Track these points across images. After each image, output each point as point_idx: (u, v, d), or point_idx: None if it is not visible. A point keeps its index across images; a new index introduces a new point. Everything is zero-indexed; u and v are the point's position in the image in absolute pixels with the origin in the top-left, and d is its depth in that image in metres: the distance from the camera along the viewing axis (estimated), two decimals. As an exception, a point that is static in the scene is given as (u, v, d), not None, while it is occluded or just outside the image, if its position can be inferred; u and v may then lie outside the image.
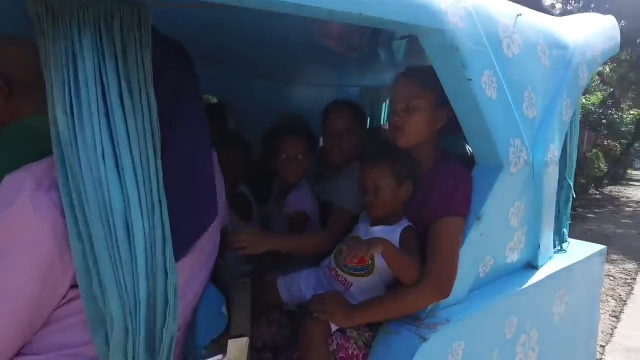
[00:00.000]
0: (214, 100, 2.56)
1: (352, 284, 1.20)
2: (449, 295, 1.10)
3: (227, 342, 0.80)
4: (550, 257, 1.62)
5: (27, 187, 0.61)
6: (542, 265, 1.53)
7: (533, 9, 1.39)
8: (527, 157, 1.25)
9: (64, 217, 0.62)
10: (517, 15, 1.22)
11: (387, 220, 1.20)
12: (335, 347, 1.10)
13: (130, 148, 0.65)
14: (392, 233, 1.16)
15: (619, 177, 14.99)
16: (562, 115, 1.44)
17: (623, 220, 7.85)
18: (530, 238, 1.46)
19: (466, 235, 1.14)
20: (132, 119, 0.65)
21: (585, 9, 8.29)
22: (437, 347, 1.08)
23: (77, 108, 0.63)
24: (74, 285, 0.66)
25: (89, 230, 0.63)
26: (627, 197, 11.32)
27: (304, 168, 1.53)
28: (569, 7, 9.34)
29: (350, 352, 1.10)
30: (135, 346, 0.66)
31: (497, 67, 1.11)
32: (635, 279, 4.62)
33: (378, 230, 1.19)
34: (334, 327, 1.12)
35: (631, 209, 9.81)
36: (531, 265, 1.52)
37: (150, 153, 0.67)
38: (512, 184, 1.23)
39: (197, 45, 0.93)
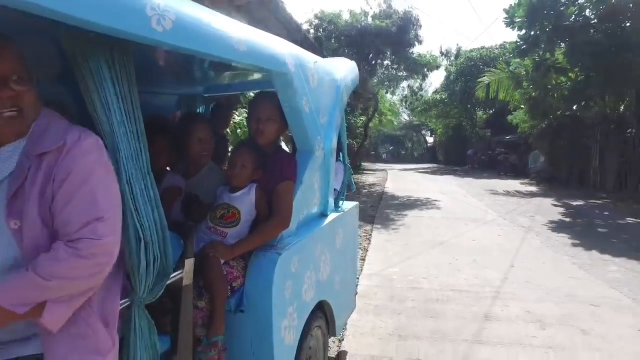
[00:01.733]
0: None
1: (227, 233, 1.78)
2: (289, 226, 1.83)
3: (184, 262, 1.30)
4: (332, 210, 2.58)
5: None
6: (329, 214, 2.46)
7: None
8: (323, 146, 2.12)
9: None
10: (314, 62, 2.06)
11: (241, 188, 1.83)
12: (225, 272, 1.66)
13: (126, 128, 1.09)
14: (248, 193, 1.82)
15: (356, 168, 19.57)
16: (337, 120, 2.40)
17: (362, 198, 10.62)
18: (323, 197, 2.35)
19: (295, 193, 1.90)
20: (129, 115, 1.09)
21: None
22: (286, 260, 1.79)
23: (106, 112, 1.03)
24: None
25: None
26: (363, 182, 15.10)
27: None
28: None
29: (235, 274, 1.69)
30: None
31: (308, 93, 1.91)
32: (372, 234, 6.63)
33: (238, 194, 1.81)
34: (222, 262, 1.68)
35: (366, 190, 13.19)
36: (323, 214, 2.42)
37: (139, 130, 1.13)
38: (316, 162, 2.07)
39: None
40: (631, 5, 10.08)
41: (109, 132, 1.06)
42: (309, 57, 2.03)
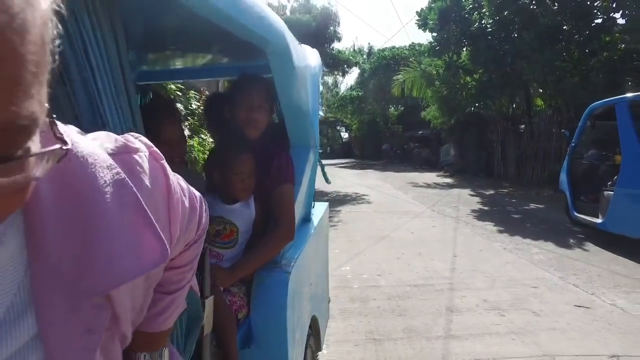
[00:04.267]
0: None
1: (223, 255, 1.43)
2: (294, 238, 1.54)
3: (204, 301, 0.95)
4: (310, 213, 2.33)
5: None
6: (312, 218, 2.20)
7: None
8: (315, 142, 1.85)
9: None
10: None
11: (240, 200, 1.48)
12: (228, 302, 1.33)
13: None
14: (248, 207, 1.49)
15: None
16: (317, 112, 2.14)
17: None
18: (310, 199, 2.09)
19: (295, 196, 1.62)
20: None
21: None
22: (295, 279, 1.51)
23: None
24: None
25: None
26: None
27: None
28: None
29: (239, 304, 1.36)
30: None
31: (308, 85, 1.63)
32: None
33: (237, 207, 1.47)
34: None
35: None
36: (307, 219, 2.16)
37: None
38: (310, 160, 1.80)
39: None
40: (516, 19, 11.34)
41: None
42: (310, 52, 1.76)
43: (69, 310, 0.42)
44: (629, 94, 5.28)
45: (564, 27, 10.81)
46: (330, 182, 2.55)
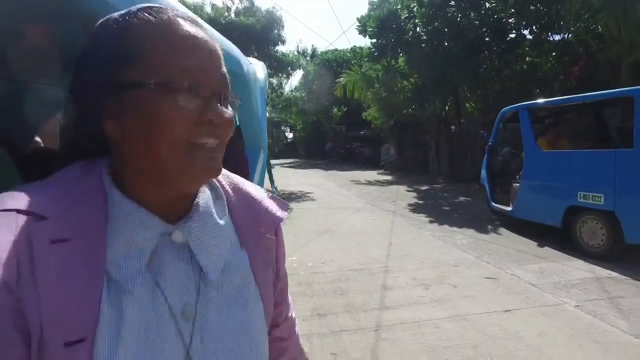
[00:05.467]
0: None
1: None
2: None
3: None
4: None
5: None
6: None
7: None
8: (264, 144, 2.24)
9: None
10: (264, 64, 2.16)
11: None
12: None
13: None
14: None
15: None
16: (265, 118, 2.53)
17: (241, 195, 10.58)
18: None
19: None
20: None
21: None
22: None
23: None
24: None
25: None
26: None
27: None
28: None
29: None
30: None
31: (257, 94, 2.01)
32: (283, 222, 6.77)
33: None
34: None
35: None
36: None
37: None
38: (261, 160, 2.18)
39: None
40: (446, 29, 12.48)
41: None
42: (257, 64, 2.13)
43: (263, 263, 0.62)
44: (530, 102, 6.24)
45: (486, 39, 12.07)
46: (276, 187, 2.94)
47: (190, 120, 0.48)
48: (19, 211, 0.44)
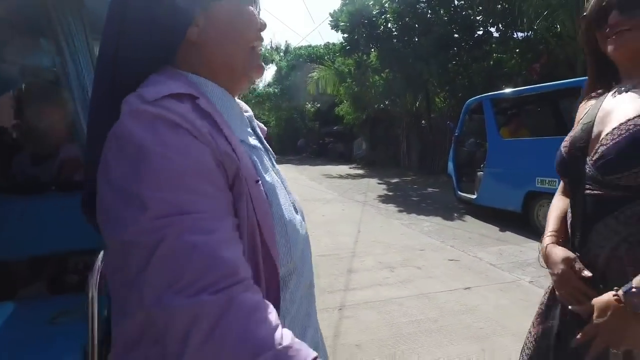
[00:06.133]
0: None
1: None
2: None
3: None
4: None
5: None
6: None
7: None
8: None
9: None
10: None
11: None
12: None
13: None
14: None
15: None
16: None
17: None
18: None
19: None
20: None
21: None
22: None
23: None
24: None
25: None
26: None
27: None
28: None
29: None
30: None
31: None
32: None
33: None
34: None
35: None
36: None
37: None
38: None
39: None
40: (416, 25, 12.72)
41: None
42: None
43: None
44: (493, 93, 6.47)
45: (455, 36, 12.37)
46: None
47: (256, 27, 0.64)
48: (183, 95, 0.55)
